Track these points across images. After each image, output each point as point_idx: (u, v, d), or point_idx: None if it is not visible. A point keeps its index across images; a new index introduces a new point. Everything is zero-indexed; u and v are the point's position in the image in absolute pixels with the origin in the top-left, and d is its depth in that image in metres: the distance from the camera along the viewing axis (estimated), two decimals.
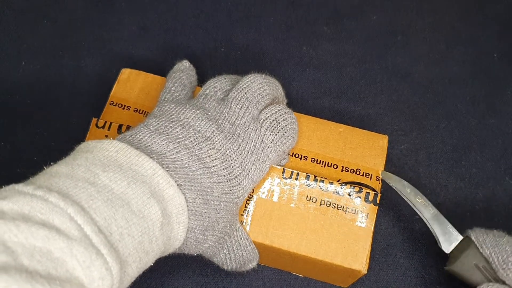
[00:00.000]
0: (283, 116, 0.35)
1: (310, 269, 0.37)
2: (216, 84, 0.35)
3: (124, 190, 0.26)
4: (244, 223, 0.35)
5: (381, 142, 0.38)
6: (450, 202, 0.41)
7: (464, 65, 0.47)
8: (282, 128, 0.34)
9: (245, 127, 0.33)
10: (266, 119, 0.34)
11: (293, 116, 0.36)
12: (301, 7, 0.49)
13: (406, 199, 0.36)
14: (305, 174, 0.35)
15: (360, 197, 0.35)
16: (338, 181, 0.36)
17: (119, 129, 0.37)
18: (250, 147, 0.33)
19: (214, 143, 0.31)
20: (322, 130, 0.38)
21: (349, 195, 0.35)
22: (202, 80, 0.40)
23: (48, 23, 0.47)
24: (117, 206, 0.25)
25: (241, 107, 0.33)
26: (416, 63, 0.47)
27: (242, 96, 0.34)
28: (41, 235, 0.21)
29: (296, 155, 0.37)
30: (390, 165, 0.42)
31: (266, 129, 0.34)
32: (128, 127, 0.37)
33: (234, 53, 0.46)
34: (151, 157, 0.28)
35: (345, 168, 0.37)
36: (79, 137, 0.43)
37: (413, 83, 0.46)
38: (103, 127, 0.38)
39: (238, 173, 0.32)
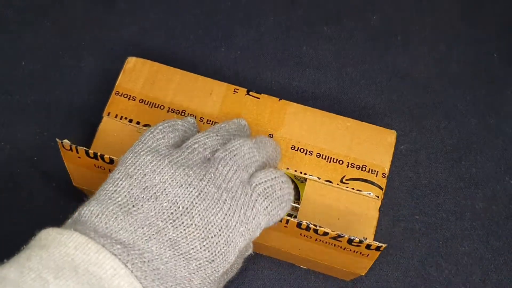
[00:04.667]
0: (281, 185, 0.31)
1: (311, 265, 0.38)
2: (206, 140, 0.31)
3: None
4: None
5: (389, 138, 0.37)
6: (450, 202, 0.41)
7: (464, 65, 0.47)
8: (278, 198, 0.30)
9: (233, 193, 0.28)
10: (260, 184, 0.30)
11: (291, 185, 0.32)
12: (301, 7, 0.49)
13: None
14: (296, 221, 0.33)
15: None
16: (343, 177, 0.36)
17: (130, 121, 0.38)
18: (239, 216, 0.28)
19: (192, 218, 0.27)
20: (329, 124, 0.38)
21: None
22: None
23: (48, 23, 0.47)
24: None
25: (229, 169, 0.29)
26: (416, 63, 0.47)
27: (230, 158, 0.30)
28: None
29: (302, 150, 0.37)
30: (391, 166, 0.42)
31: (259, 195, 0.29)
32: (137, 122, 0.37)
33: (234, 53, 0.46)
34: (114, 251, 0.24)
35: (351, 164, 0.36)
36: (79, 137, 0.43)
37: (413, 83, 0.46)
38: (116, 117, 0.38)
39: (223, 250, 0.27)
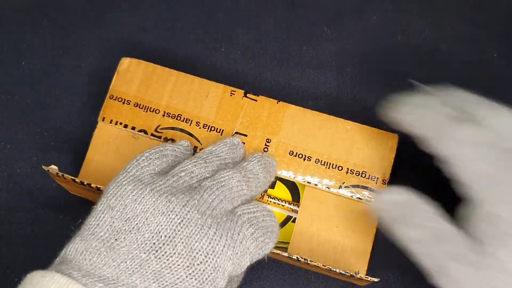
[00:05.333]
0: (264, 217, 0.30)
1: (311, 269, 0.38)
2: (194, 168, 0.31)
3: None
4: None
5: (390, 142, 0.37)
6: (450, 202, 0.41)
7: (464, 65, 0.47)
8: (264, 227, 0.30)
9: (218, 218, 0.28)
10: (244, 214, 0.30)
11: (275, 219, 0.31)
12: (301, 7, 0.49)
13: None
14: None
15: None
16: (342, 184, 0.36)
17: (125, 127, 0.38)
18: (226, 240, 0.27)
19: (175, 246, 0.26)
20: (328, 127, 0.37)
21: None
22: (198, 74, 0.40)
23: (48, 23, 0.47)
24: None
25: (215, 198, 0.29)
26: (416, 63, 0.47)
27: (217, 188, 0.29)
28: None
29: (300, 155, 0.36)
30: (392, 170, 0.42)
31: (245, 222, 0.29)
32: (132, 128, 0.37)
33: (234, 53, 0.46)
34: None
35: (350, 170, 0.36)
36: (79, 137, 0.43)
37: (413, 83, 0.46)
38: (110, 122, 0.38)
39: (211, 276, 0.26)
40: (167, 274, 0.25)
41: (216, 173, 0.31)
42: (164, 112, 0.38)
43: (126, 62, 0.40)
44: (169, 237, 0.26)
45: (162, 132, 0.38)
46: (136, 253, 0.26)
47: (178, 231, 0.26)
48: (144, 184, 0.28)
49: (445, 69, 0.46)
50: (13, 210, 0.40)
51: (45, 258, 0.39)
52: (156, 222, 0.26)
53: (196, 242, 0.26)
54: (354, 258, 0.35)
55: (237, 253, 0.28)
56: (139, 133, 0.38)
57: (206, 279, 0.26)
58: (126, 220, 0.27)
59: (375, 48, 0.47)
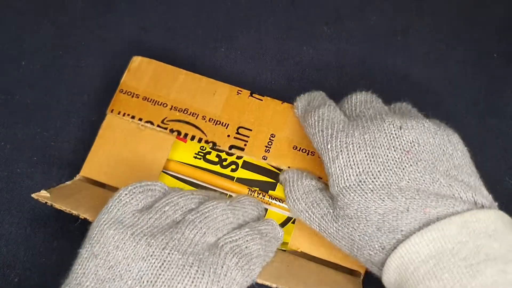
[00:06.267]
0: (246, 244, 0.30)
1: None
2: (179, 200, 0.30)
3: None
4: None
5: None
6: None
7: (464, 65, 0.47)
8: (247, 255, 0.30)
9: (200, 255, 0.28)
10: (226, 244, 0.29)
11: (262, 241, 0.31)
12: (301, 7, 0.49)
13: None
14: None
15: None
16: None
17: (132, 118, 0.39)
18: (208, 276, 0.27)
19: None
20: None
21: None
22: (196, 70, 0.40)
23: (48, 23, 0.47)
24: None
25: (197, 232, 0.29)
26: (416, 63, 0.47)
27: (200, 221, 0.29)
28: None
29: (304, 150, 0.37)
30: None
31: (227, 253, 0.29)
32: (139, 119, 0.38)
33: (234, 53, 0.46)
34: None
35: None
36: (79, 137, 0.43)
37: (413, 83, 0.46)
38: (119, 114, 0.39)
39: None
40: None
41: (203, 203, 0.31)
42: (172, 106, 0.39)
43: (137, 60, 0.40)
44: (151, 281, 0.26)
45: (169, 124, 0.38)
46: None
47: (159, 274, 0.26)
48: (125, 227, 0.28)
49: (445, 69, 0.46)
50: (13, 210, 0.40)
51: (44, 259, 0.39)
52: (138, 268, 0.27)
53: (178, 283, 0.26)
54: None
55: (222, 287, 0.27)
56: (146, 123, 0.38)
57: None
58: (109, 268, 0.27)
59: (375, 48, 0.47)
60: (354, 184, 0.30)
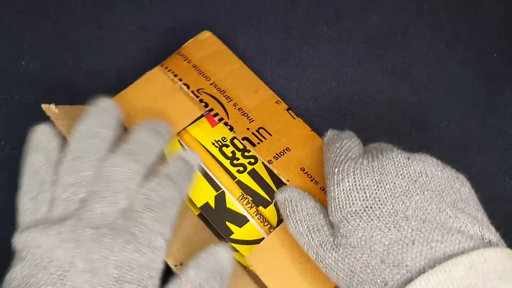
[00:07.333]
0: (157, 194, 0.31)
1: None
2: (74, 178, 0.31)
3: None
4: None
5: None
6: None
7: (464, 65, 0.47)
8: (159, 205, 0.31)
9: (113, 224, 0.29)
10: (137, 202, 0.30)
11: (173, 184, 0.32)
12: (301, 7, 0.49)
13: None
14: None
15: None
16: None
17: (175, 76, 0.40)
18: (124, 239, 0.29)
19: (82, 271, 0.28)
20: None
21: None
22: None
23: (48, 23, 0.47)
24: None
25: (105, 203, 0.30)
26: (416, 63, 0.47)
27: (104, 190, 0.30)
28: None
29: (309, 175, 0.37)
30: None
31: (140, 212, 0.30)
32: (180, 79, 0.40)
33: (234, 53, 0.46)
34: None
35: None
36: None
37: (413, 83, 0.46)
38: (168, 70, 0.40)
39: (142, 280, 0.28)
40: None
41: (101, 166, 0.31)
42: (213, 82, 0.40)
43: (206, 35, 0.43)
44: (70, 262, 0.28)
45: (202, 95, 0.39)
46: None
47: (76, 254, 0.28)
48: (36, 226, 0.30)
49: (445, 69, 0.46)
50: (13, 210, 0.40)
51: None
52: (56, 257, 0.28)
53: (95, 254, 0.28)
54: None
55: (142, 243, 0.29)
56: (183, 85, 0.39)
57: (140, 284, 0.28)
58: (35, 266, 0.28)
59: (375, 48, 0.47)
60: (360, 209, 0.29)
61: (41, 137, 0.33)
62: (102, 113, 0.34)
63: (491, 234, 0.29)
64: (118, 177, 0.31)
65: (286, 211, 0.33)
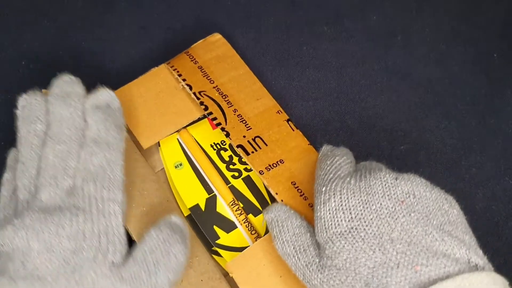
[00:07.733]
0: (92, 163, 0.33)
1: None
2: (21, 172, 0.33)
3: None
4: None
5: None
6: None
7: (464, 65, 0.47)
8: (97, 172, 0.32)
9: (60, 206, 0.31)
10: (76, 178, 0.32)
11: (104, 147, 0.33)
12: (301, 7, 0.49)
13: None
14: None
15: None
16: None
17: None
18: (72, 215, 0.30)
19: (33, 260, 0.29)
20: None
21: None
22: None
23: (48, 23, 0.47)
24: None
25: (49, 190, 0.31)
26: (416, 63, 0.47)
27: (45, 177, 0.32)
28: None
29: (299, 190, 0.36)
30: (390, 166, 0.42)
31: (80, 187, 0.32)
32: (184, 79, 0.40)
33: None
34: None
35: None
36: None
37: (413, 83, 0.46)
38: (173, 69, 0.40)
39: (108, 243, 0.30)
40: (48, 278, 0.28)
41: (42, 154, 0.33)
42: (216, 86, 0.40)
43: (216, 37, 0.43)
44: (26, 254, 0.29)
45: (203, 97, 0.39)
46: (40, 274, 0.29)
47: (30, 246, 0.29)
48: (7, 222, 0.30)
49: (445, 69, 0.46)
50: None
51: None
52: (16, 245, 0.29)
53: (48, 235, 0.29)
54: None
55: (95, 213, 0.30)
56: (186, 85, 0.39)
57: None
58: (5, 259, 0.29)
59: (375, 48, 0.47)
60: (345, 231, 0.29)
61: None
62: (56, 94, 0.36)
63: (478, 257, 0.28)
64: (54, 161, 0.32)
65: (274, 232, 0.32)
